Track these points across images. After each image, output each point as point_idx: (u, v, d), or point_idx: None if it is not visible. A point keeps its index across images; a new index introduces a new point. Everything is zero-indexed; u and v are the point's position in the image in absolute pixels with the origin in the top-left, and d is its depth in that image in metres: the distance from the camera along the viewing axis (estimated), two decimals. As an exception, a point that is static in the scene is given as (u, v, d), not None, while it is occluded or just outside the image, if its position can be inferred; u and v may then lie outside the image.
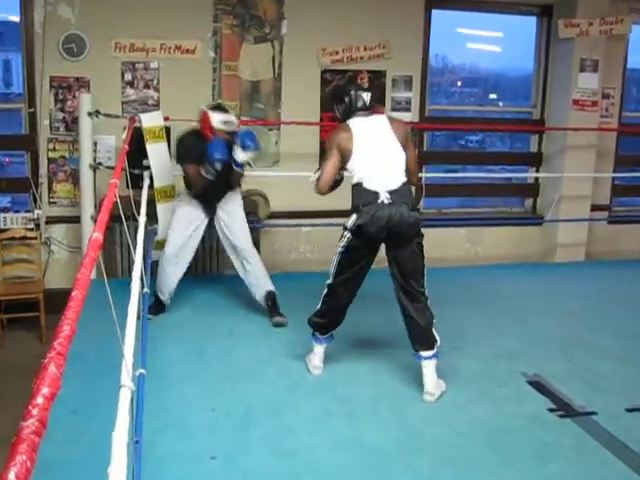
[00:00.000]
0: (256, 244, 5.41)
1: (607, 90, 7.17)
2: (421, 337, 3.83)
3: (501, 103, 8.66)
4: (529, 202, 7.48)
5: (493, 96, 8.94)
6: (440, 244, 6.83)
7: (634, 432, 3.47)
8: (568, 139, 6.95)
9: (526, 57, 7.35)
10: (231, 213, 4.96)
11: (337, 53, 6.36)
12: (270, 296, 5.00)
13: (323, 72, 6.39)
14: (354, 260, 3.85)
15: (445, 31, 7.11)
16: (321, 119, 6.42)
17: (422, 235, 3.80)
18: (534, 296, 5.86)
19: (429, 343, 3.82)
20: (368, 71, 6.48)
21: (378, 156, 3.81)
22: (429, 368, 3.83)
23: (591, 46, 6.86)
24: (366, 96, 3.98)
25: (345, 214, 3.85)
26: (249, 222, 5.14)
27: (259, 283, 4.99)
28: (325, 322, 4.08)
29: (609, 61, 7.05)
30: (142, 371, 2.44)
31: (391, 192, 3.74)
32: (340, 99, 4.02)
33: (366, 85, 6.41)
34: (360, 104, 3.96)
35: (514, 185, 7.77)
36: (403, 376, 4.05)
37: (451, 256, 6.92)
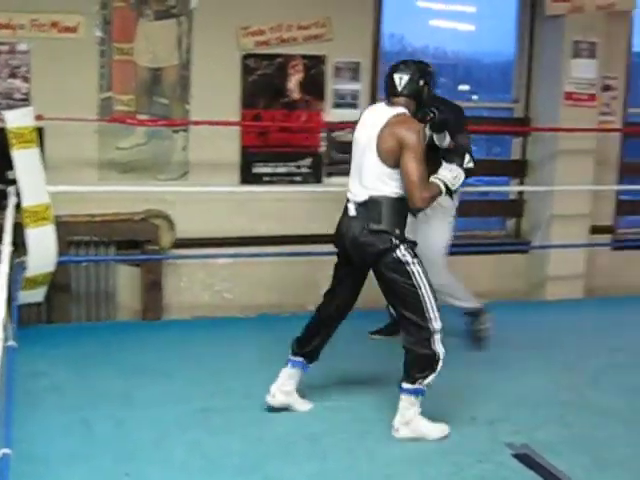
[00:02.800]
0: (158, 281, 5.41)
1: (608, 81, 7.34)
2: (405, 366, 4.16)
3: (475, 97, 8.78)
4: (511, 223, 7.60)
5: (464, 88, 9.06)
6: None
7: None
8: (560, 143, 7.08)
9: (506, 39, 7.47)
10: None
11: (263, 33, 6.40)
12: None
13: (245, 57, 6.41)
14: (337, 268, 4.40)
15: (403, 5, 7.21)
16: (243, 118, 6.45)
17: (397, 258, 4.03)
18: (520, 345, 5.91)
19: (409, 376, 4.12)
20: (303, 56, 6.53)
21: (358, 159, 4.18)
22: (403, 402, 4.17)
23: (587, 25, 7.00)
24: (399, 79, 4.16)
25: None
26: (150, 253, 5.15)
27: None
28: (300, 335, 4.40)
29: (610, 44, 7.21)
30: (6, 451, 2.41)
31: (359, 205, 4.10)
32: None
33: (301, 73, 6.48)
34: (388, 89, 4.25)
35: (491, 202, 7.88)
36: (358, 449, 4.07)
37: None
